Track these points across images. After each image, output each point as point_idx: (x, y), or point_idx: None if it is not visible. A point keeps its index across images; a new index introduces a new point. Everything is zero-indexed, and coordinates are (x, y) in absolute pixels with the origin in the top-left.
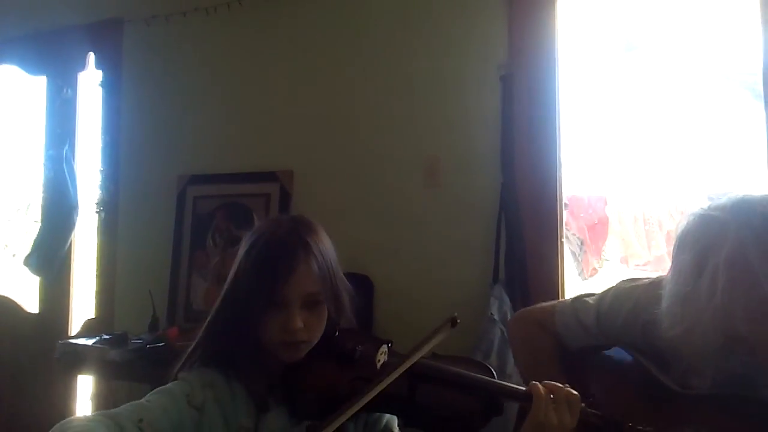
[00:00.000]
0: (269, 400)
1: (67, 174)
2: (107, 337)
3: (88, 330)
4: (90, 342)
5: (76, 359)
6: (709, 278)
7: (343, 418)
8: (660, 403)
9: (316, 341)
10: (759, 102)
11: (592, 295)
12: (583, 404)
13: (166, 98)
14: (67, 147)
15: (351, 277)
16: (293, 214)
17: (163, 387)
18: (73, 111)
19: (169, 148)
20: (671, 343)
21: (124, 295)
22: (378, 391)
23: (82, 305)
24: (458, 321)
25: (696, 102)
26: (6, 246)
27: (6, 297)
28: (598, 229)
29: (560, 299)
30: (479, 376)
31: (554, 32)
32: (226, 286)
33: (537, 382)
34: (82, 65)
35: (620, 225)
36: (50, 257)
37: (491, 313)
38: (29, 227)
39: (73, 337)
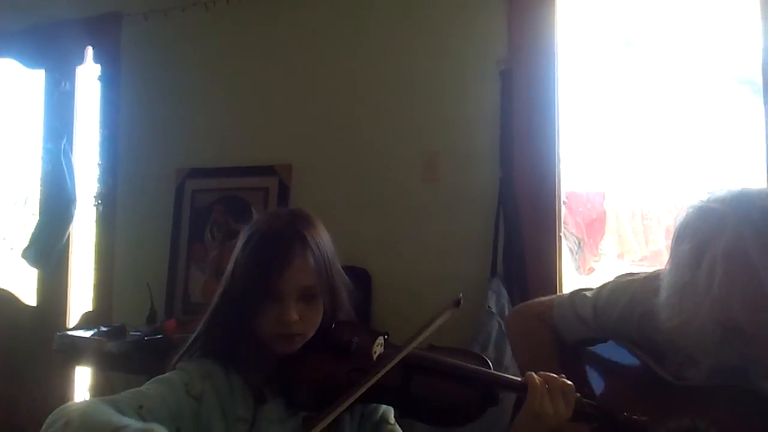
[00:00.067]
0: (266, 392)
1: (65, 167)
2: (105, 329)
3: (86, 322)
4: (88, 334)
5: (74, 351)
6: (707, 269)
7: (341, 408)
8: (656, 395)
9: (311, 334)
10: (758, 97)
11: (590, 289)
12: (578, 394)
13: (164, 92)
14: (65, 140)
15: (349, 270)
16: (292, 208)
17: (161, 376)
18: (71, 105)
19: (167, 142)
20: (668, 336)
21: (122, 287)
22: (380, 377)
23: (80, 298)
24: (462, 302)
25: (695, 97)
26: (4, 239)
27: (4, 289)
28: (595, 226)
29: (558, 293)
30: (475, 367)
31: (554, 28)
32: (224, 279)
33: (532, 373)
34: (81, 59)
35: (617, 221)
36: (48, 250)
37: (489, 307)
38: (27, 220)
39: (71, 330)
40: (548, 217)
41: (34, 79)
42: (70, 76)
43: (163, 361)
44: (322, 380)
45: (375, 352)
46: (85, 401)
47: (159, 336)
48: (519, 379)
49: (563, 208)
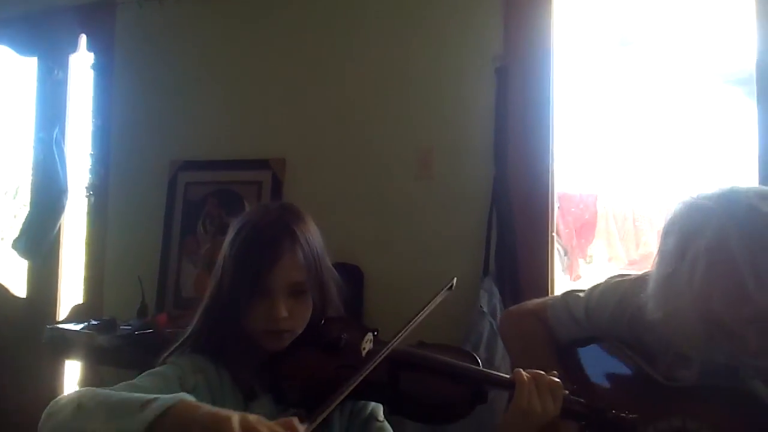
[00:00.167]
0: (256, 388)
1: (56, 157)
2: (95, 322)
3: (76, 315)
4: (78, 327)
5: (63, 344)
6: (690, 263)
7: (335, 403)
8: (647, 396)
9: (300, 331)
10: (751, 99)
11: (582, 290)
12: (566, 392)
13: (158, 82)
14: (57, 130)
15: (341, 267)
16: (281, 202)
17: (154, 370)
18: (64, 93)
19: (160, 133)
20: (657, 335)
21: (113, 280)
22: (373, 366)
23: (71, 290)
24: (454, 286)
25: (689, 98)
26: None
27: None
28: (585, 230)
29: (550, 293)
30: (464, 364)
31: (550, 26)
32: (213, 275)
33: (521, 369)
34: (74, 47)
35: (607, 224)
36: (39, 241)
37: (481, 306)
38: (18, 211)
39: (61, 322)
40: (541, 216)
41: (27, 67)
42: (63, 65)
43: (153, 356)
44: (311, 377)
45: (364, 349)
46: (83, 389)
47: (150, 330)
48: (507, 376)
49: (556, 209)
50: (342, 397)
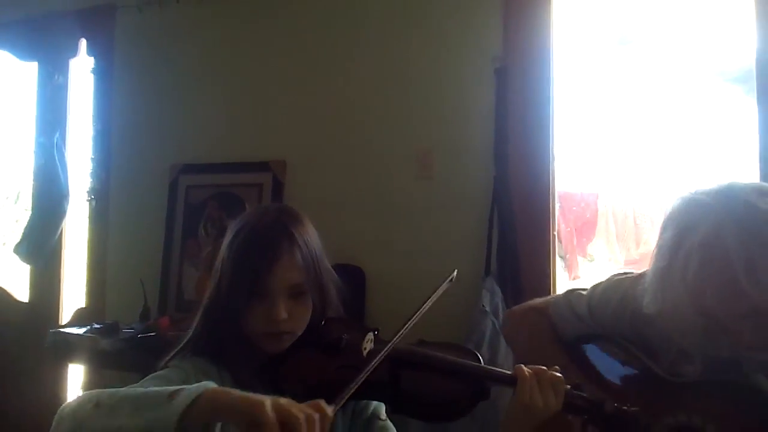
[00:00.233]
0: (257, 390)
1: (57, 162)
2: (98, 326)
3: (78, 319)
4: (81, 331)
5: (66, 348)
6: (684, 257)
7: (357, 383)
8: (652, 392)
9: (300, 332)
10: (751, 97)
11: (585, 288)
12: (567, 386)
13: (158, 86)
14: (58, 134)
15: (343, 268)
16: (279, 204)
17: (157, 373)
18: (65, 98)
19: (161, 137)
20: (657, 331)
21: (115, 284)
22: (378, 363)
23: (73, 294)
24: (454, 279)
25: (688, 97)
26: None
27: None
28: (585, 229)
29: (552, 292)
30: (465, 361)
31: (549, 25)
32: (212, 277)
33: (522, 365)
34: (74, 51)
35: (607, 223)
36: (40, 245)
37: (483, 305)
38: (19, 215)
39: (63, 326)
40: (542, 215)
41: (27, 72)
42: (64, 69)
43: (156, 359)
44: (313, 378)
45: (365, 348)
46: (91, 391)
47: (152, 333)
48: (509, 372)
49: (557, 208)
50: (363, 377)
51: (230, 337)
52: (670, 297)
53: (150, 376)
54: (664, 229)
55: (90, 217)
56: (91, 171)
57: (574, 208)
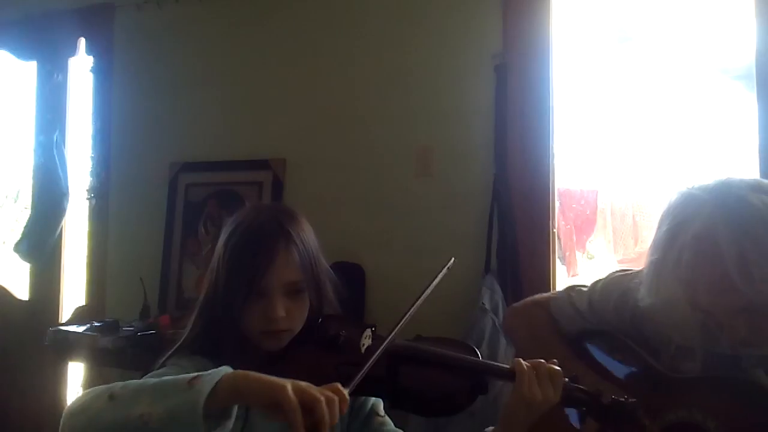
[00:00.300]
0: None
1: (57, 160)
2: (98, 324)
3: (78, 317)
4: (81, 329)
5: (66, 346)
6: (678, 251)
7: (369, 364)
8: (653, 388)
9: (297, 330)
10: (751, 92)
11: (585, 285)
12: (566, 379)
13: (157, 85)
14: (57, 133)
15: (343, 265)
16: (274, 202)
17: (156, 371)
18: (64, 97)
19: (161, 135)
20: (656, 327)
21: (115, 282)
22: (384, 351)
23: (73, 292)
24: (451, 265)
25: (688, 93)
26: None
27: None
28: (585, 226)
29: (551, 290)
30: (463, 355)
31: (549, 23)
32: (209, 276)
33: (520, 359)
34: (73, 50)
35: (605, 221)
36: (40, 244)
37: (483, 303)
38: (19, 214)
39: (63, 325)
40: (542, 213)
41: (27, 71)
42: (63, 68)
43: (156, 357)
44: (312, 375)
45: (363, 345)
46: (99, 386)
47: (152, 331)
48: (507, 366)
49: (557, 205)
50: (375, 358)
51: (228, 335)
52: (664, 290)
53: (148, 374)
54: (660, 223)
55: (90, 216)
56: (90, 169)
57: (574, 206)
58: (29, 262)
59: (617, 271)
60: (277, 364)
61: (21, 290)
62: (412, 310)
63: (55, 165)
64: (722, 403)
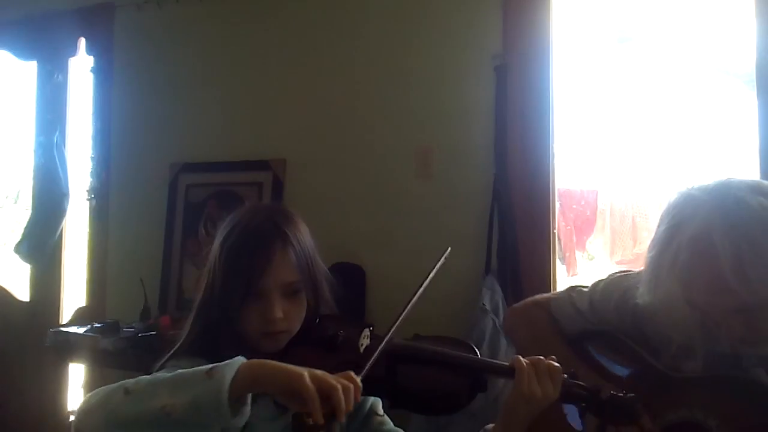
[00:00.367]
0: None
1: (57, 161)
2: (99, 325)
3: (79, 318)
4: (81, 330)
5: (67, 348)
6: (674, 250)
7: (379, 349)
8: (654, 388)
9: (296, 330)
10: (751, 90)
11: (585, 286)
12: (564, 375)
13: (158, 85)
14: (57, 133)
15: (343, 266)
16: (269, 203)
17: (156, 374)
18: (64, 97)
19: (161, 136)
20: (657, 327)
21: (116, 283)
22: (380, 354)
23: (74, 293)
24: (448, 254)
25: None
26: None
27: None
28: (585, 227)
29: (552, 290)
30: (462, 354)
31: (549, 23)
32: (205, 277)
33: (519, 356)
34: (73, 50)
35: (605, 222)
36: (41, 245)
37: (483, 304)
38: (19, 215)
39: (64, 326)
40: (542, 214)
41: (27, 71)
42: (63, 68)
43: (157, 358)
44: None
45: (362, 345)
46: (110, 385)
47: (153, 332)
48: (506, 363)
49: (557, 206)
50: (385, 342)
51: (226, 337)
52: (663, 288)
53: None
54: (660, 222)
55: (90, 216)
56: (91, 170)
57: (574, 206)
58: (29, 263)
59: (618, 272)
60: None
61: (21, 291)
62: (412, 301)
63: (56, 165)
64: (723, 402)
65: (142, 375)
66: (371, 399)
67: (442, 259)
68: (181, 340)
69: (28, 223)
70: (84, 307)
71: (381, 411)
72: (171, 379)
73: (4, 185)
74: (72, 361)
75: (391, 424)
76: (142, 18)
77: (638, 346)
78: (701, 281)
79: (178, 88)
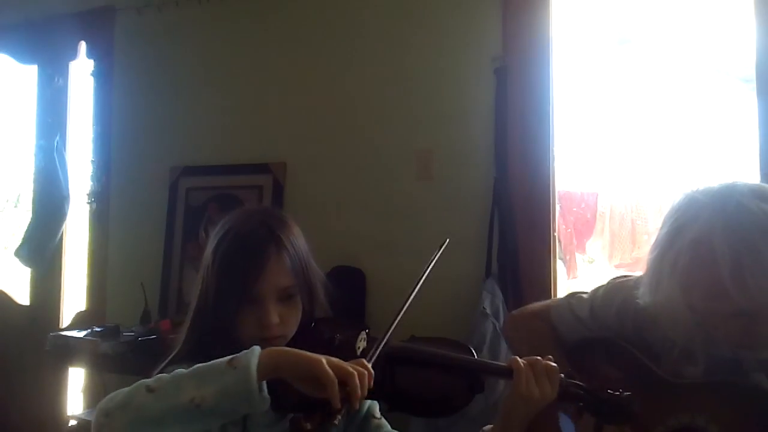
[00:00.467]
0: None
1: (58, 164)
2: (99, 329)
3: (79, 322)
4: (81, 334)
5: (67, 351)
6: (675, 253)
7: (386, 337)
8: (655, 394)
9: (292, 335)
10: (752, 91)
11: (585, 292)
12: (561, 375)
13: (158, 88)
14: (58, 137)
15: (343, 269)
16: (262, 207)
17: (175, 371)
18: (65, 101)
19: (161, 139)
20: (659, 332)
21: (116, 287)
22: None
23: (74, 297)
24: (446, 245)
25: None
26: None
27: None
28: (585, 230)
29: (552, 293)
30: (459, 355)
31: (548, 25)
32: (199, 284)
33: (516, 357)
34: (74, 54)
35: (604, 225)
36: (41, 249)
37: (483, 307)
38: (20, 218)
39: (64, 330)
40: (542, 217)
41: (27, 75)
42: (63, 72)
43: (157, 362)
44: None
45: (359, 347)
46: (126, 388)
47: (153, 336)
48: (504, 364)
49: (558, 209)
50: (390, 330)
51: (221, 343)
52: (663, 290)
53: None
54: (663, 223)
55: (90, 220)
56: (91, 174)
57: (575, 209)
58: (30, 266)
59: (618, 277)
60: None
61: (21, 295)
62: (413, 294)
63: (56, 169)
64: (724, 407)
65: (143, 379)
66: (368, 402)
67: (441, 250)
68: (178, 348)
69: (29, 226)
70: (84, 311)
71: (378, 414)
72: (193, 372)
73: (4, 189)
74: (72, 365)
75: (389, 426)
76: (143, 21)
77: (639, 353)
78: (700, 286)
79: (178, 92)
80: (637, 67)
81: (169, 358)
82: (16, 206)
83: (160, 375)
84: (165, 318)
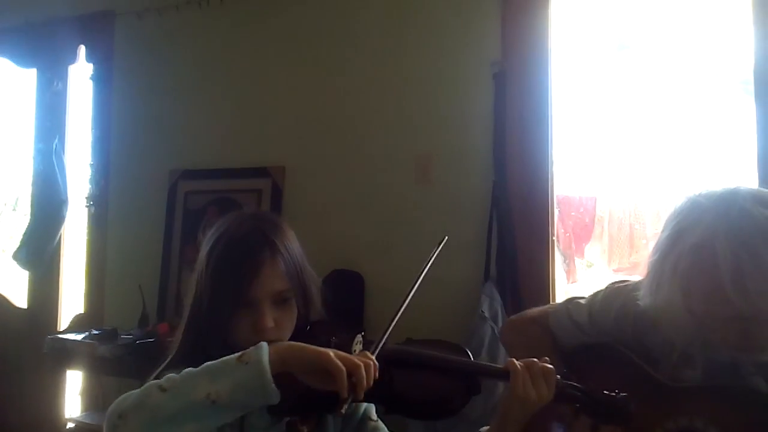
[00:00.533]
0: None
1: (56, 168)
2: (97, 332)
3: (77, 325)
4: (79, 337)
5: (65, 354)
6: (675, 257)
7: (387, 332)
8: (653, 397)
9: (287, 338)
10: (750, 96)
11: (584, 297)
12: (558, 376)
13: (157, 92)
14: (57, 140)
15: (342, 273)
16: (255, 211)
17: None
18: (64, 104)
19: (160, 143)
20: (658, 336)
21: (114, 290)
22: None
23: (72, 300)
24: (444, 242)
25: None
26: None
27: None
28: (584, 234)
29: (551, 297)
30: (455, 357)
31: (547, 30)
32: (192, 289)
33: (513, 359)
34: (73, 58)
35: (602, 229)
36: (39, 252)
37: (482, 311)
38: (18, 221)
39: (62, 333)
40: (541, 221)
41: (26, 78)
42: (63, 76)
43: (155, 365)
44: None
45: (355, 350)
46: (136, 390)
47: (151, 339)
48: (500, 366)
49: (556, 213)
50: (390, 329)
51: (217, 347)
52: (663, 293)
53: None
54: (665, 226)
55: (89, 223)
56: (89, 177)
57: (573, 213)
58: (28, 269)
59: (616, 282)
60: None
61: (19, 298)
62: (412, 291)
63: (55, 172)
64: (722, 410)
65: (141, 382)
66: (364, 405)
67: (440, 246)
68: (173, 352)
69: (27, 229)
70: (82, 313)
71: (375, 416)
72: (204, 370)
73: (3, 192)
74: (70, 367)
75: (386, 429)
76: (142, 25)
77: (638, 358)
78: (700, 290)
79: (177, 96)
80: (637, 73)
81: (165, 363)
82: (14, 209)
83: (169, 375)
84: (163, 321)
